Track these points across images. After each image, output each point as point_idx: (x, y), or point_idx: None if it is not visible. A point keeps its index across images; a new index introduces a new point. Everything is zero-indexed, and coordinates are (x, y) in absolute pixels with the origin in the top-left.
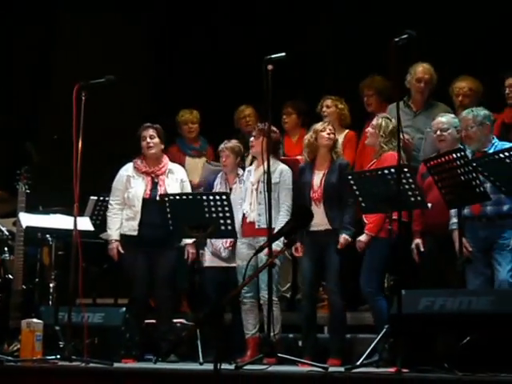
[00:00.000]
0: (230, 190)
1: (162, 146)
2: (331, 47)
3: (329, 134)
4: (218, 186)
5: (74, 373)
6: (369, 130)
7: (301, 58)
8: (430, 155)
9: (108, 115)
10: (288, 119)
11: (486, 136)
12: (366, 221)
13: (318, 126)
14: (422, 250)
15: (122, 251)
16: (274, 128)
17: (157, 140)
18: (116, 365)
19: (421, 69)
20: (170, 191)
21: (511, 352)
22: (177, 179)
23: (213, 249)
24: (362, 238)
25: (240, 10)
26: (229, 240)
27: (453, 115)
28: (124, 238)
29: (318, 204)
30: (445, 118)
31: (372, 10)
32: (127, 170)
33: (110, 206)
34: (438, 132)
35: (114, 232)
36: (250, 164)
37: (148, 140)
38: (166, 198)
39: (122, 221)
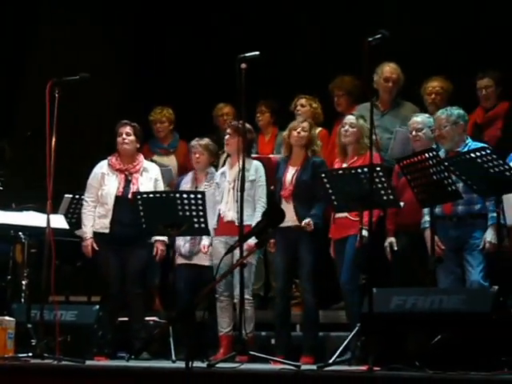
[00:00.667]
0: (196, 188)
1: (138, 145)
2: (305, 46)
3: (299, 132)
4: (185, 185)
5: (46, 371)
6: (347, 128)
7: (274, 57)
8: (398, 154)
9: (83, 113)
10: (262, 117)
11: (460, 135)
12: (352, 218)
13: (293, 123)
14: (396, 248)
15: (96, 248)
16: (249, 127)
17: (132, 138)
18: (88, 363)
19: (388, 68)
20: (142, 190)
21: (481, 351)
22: (151, 178)
23: (174, 247)
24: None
25: (217, 8)
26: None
27: (427, 115)
28: (96, 236)
29: (288, 201)
30: (420, 118)
31: (343, 10)
32: (102, 167)
33: (84, 203)
34: (414, 132)
35: (88, 229)
36: (224, 162)
37: (124, 136)
38: (139, 196)
39: (95, 218)
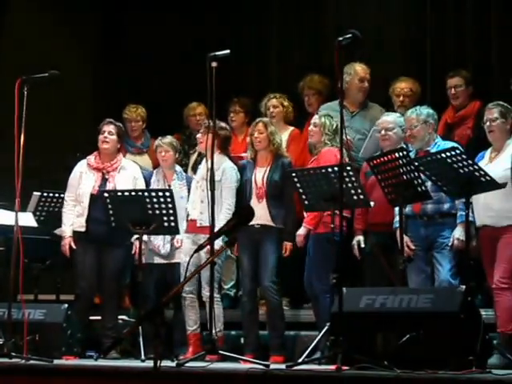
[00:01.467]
0: (169, 186)
1: (119, 145)
2: (275, 46)
3: (256, 136)
4: (156, 183)
5: (13, 370)
6: (311, 128)
7: (244, 56)
8: (371, 154)
9: (55, 110)
10: (236, 117)
11: (430, 135)
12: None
13: (250, 128)
14: (363, 246)
15: (74, 247)
16: (224, 125)
17: (114, 137)
18: (57, 362)
19: (361, 69)
20: (120, 188)
21: (449, 350)
22: (129, 176)
23: (151, 246)
24: (301, 231)
25: (187, 7)
26: (169, 237)
27: (398, 114)
28: (74, 235)
29: (260, 200)
30: (391, 118)
31: (313, 10)
32: (81, 165)
33: (64, 202)
34: (383, 131)
35: (67, 228)
36: (195, 161)
37: (106, 135)
38: (107, 195)
39: (74, 217)
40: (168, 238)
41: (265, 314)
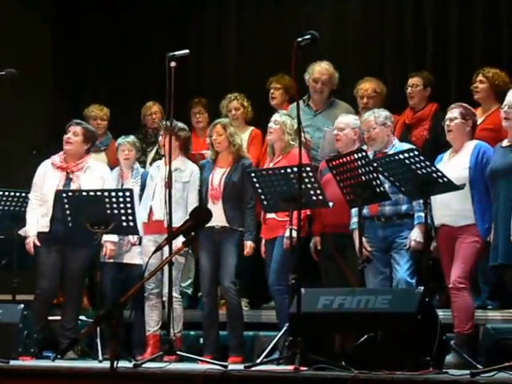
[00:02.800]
0: (122, 185)
1: (85, 147)
2: (233, 46)
3: (215, 138)
4: (115, 182)
5: None
6: (271, 125)
7: (203, 56)
8: (328, 154)
9: (12, 109)
10: (202, 118)
11: (388, 137)
12: (278, 218)
13: (208, 130)
14: (319, 247)
15: (38, 244)
16: (182, 125)
17: (78, 139)
18: (13, 362)
19: (318, 69)
20: (84, 187)
21: (406, 350)
22: (97, 177)
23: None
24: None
25: (147, 6)
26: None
27: (355, 116)
28: (38, 235)
29: (216, 202)
30: (344, 119)
31: (271, 11)
32: (46, 165)
33: (29, 202)
34: (335, 131)
35: (31, 227)
36: (152, 160)
37: (69, 135)
38: (64, 195)
39: (39, 217)
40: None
41: (225, 314)
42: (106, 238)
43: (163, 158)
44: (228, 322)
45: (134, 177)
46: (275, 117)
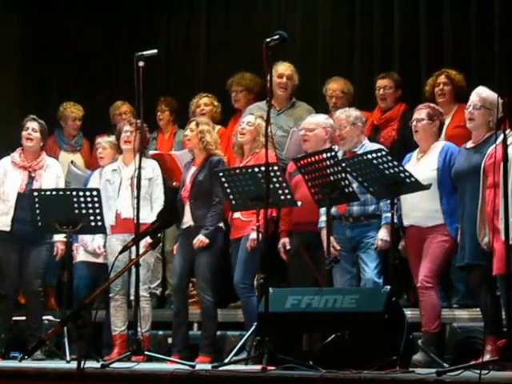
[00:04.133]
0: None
1: (42, 143)
2: (202, 46)
3: (186, 135)
4: (94, 182)
5: None
6: (244, 127)
7: (172, 56)
8: (293, 154)
9: None
10: (162, 116)
11: (358, 136)
12: (243, 218)
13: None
14: (288, 247)
15: None
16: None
17: (38, 135)
18: None
19: (282, 66)
20: (45, 186)
21: (374, 350)
22: (54, 175)
23: (81, 242)
24: (253, 236)
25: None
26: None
27: (326, 116)
28: None
29: (186, 201)
30: (313, 119)
31: (241, 11)
32: (5, 163)
33: None
34: (303, 132)
35: None
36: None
37: (30, 132)
38: (36, 194)
39: None
40: (96, 236)
41: (194, 313)
42: (56, 237)
43: (120, 160)
44: (201, 321)
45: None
46: (249, 118)
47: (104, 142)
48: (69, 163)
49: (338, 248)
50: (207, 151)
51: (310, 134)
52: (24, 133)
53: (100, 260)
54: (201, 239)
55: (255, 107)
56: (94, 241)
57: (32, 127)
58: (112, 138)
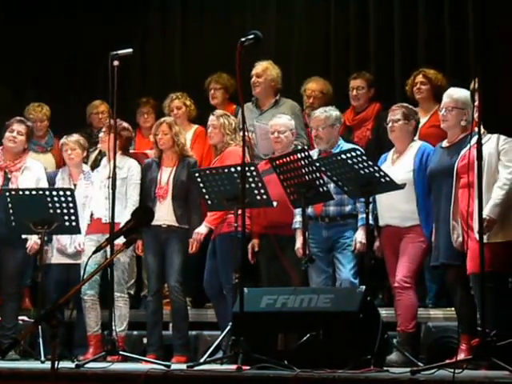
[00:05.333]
0: (75, 185)
1: (26, 146)
2: (178, 45)
3: (161, 138)
4: (61, 182)
5: None
6: (211, 130)
7: (148, 55)
8: (265, 149)
9: None
10: (150, 118)
11: (335, 138)
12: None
13: (154, 128)
14: (257, 249)
15: None
16: (126, 125)
17: (23, 138)
18: None
19: (259, 66)
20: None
21: (348, 349)
22: (33, 177)
23: (59, 245)
24: (201, 229)
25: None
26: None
27: (288, 117)
28: None
29: (162, 200)
30: (281, 120)
31: (221, 9)
32: None
33: None
34: (276, 134)
35: None
36: (95, 160)
37: (14, 134)
38: (8, 194)
39: None
40: (74, 237)
41: (169, 313)
42: (31, 237)
43: (104, 160)
44: (172, 321)
45: (85, 179)
46: (212, 120)
47: (71, 142)
48: None
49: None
50: (181, 152)
51: (282, 136)
52: (8, 134)
53: (71, 261)
54: (196, 243)
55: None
56: (75, 239)
57: (18, 130)
58: (77, 137)
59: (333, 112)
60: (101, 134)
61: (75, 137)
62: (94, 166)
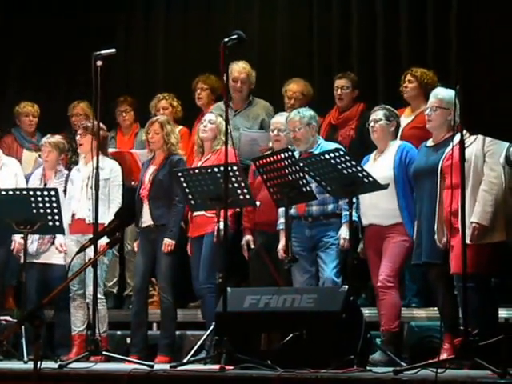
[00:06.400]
0: (45, 185)
1: None
2: (161, 45)
3: (152, 137)
4: (37, 182)
5: None
6: (207, 125)
7: (131, 55)
8: (246, 156)
9: None
10: (128, 116)
11: (313, 136)
12: (207, 214)
13: (146, 127)
14: (253, 246)
15: None
16: (101, 125)
17: None
18: None
19: (236, 68)
20: (2, 186)
21: (331, 349)
22: (11, 173)
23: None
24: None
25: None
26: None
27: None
28: None
29: (145, 200)
30: (281, 118)
31: (205, 9)
32: None
33: None
34: (276, 132)
35: None
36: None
37: None
38: None
39: None
40: (36, 236)
41: (153, 314)
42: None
43: (81, 160)
44: (161, 321)
45: (57, 178)
46: (211, 116)
47: (49, 144)
48: (37, 157)
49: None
50: (169, 151)
51: (281, 134)
52: None
53: (46, 261)
54: (167, 243)
55: (216, 107)
56: (55, 239)
57: None
58: (57, 138)
59: (306, 112)
60: (77, 137)
61: (56, 138)
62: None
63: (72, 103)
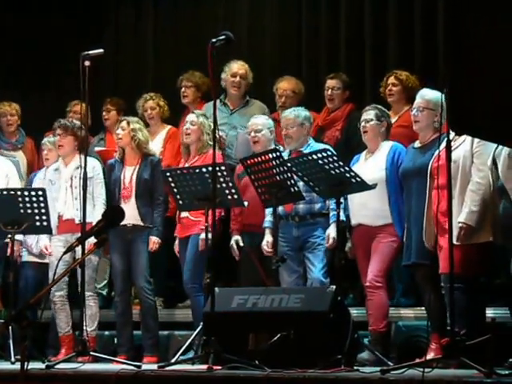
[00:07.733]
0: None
1: None
2: (152, 44)
3: (118, 134)
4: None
5: None
6: (188, 127)
7: (120, 55)
8: (242, 155)
9: None
10: (108, 116)
11: (305, 137)
12: (192, 218)
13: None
14: (242, 244)
15: None
16: (78, 123)
17: None
18: None
19: (236, 65)
20: None
21: (319, 349)
22: (2, 174)
23: (25, 245)
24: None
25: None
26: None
27: (265, 116)
28: None
29: (127, 200)
30: (259, 120)
31: (194, 8)
32: None
33: None
34: (253, 133)
35: None
36: None
37: None
38: None
39: None
40: (40, 236)
41: (138, 314)
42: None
43: (61, 161)
44: (142, 321)
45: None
46: (191, 117)
47: (49, 143)
48: None
49: (270, 250)
50: (141, 150)
51: (259, 135)
52: None
53: (46, 260)
54: (155, 241)
55: (208, 107)
56: (39, 242)
57: None
58: (55, 139)
59: (302, 112)
60: (57, 138)
61: (54, 138)
62: None
63: (71, 102)
